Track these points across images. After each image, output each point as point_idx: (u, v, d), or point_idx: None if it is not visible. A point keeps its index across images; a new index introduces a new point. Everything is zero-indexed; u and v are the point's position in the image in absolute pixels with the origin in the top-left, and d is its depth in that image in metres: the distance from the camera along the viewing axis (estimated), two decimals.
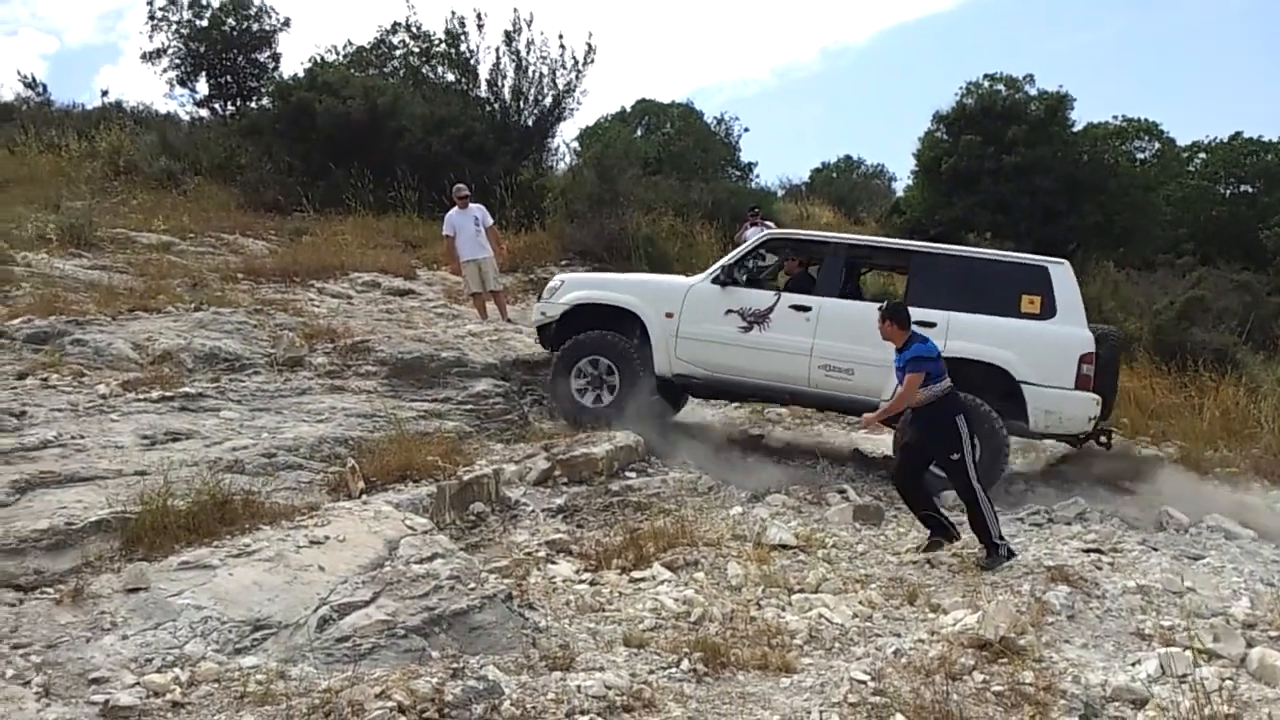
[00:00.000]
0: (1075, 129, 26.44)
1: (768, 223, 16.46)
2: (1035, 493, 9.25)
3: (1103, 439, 9.45)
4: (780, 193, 30.04)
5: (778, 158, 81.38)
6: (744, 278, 9.77)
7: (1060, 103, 25.81)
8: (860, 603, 6.35)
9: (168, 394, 7.79)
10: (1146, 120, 29.63)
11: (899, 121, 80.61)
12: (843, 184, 33.63)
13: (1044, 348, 8.76)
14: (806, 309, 9.24)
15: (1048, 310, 8.88)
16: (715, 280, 9.59)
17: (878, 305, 7.87)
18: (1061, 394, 8.70)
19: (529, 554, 6.73)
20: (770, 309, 9.33)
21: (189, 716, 4.13)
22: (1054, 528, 8.22)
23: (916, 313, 8.30)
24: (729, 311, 9.41)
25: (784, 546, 7.13)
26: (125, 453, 6.61)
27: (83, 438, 6.70)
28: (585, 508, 7.85)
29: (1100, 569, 6.95)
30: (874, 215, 28.14)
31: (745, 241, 15.24)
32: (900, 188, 32.13)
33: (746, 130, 32.60)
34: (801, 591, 6.46)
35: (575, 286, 10.22)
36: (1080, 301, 9.00)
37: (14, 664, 4.33)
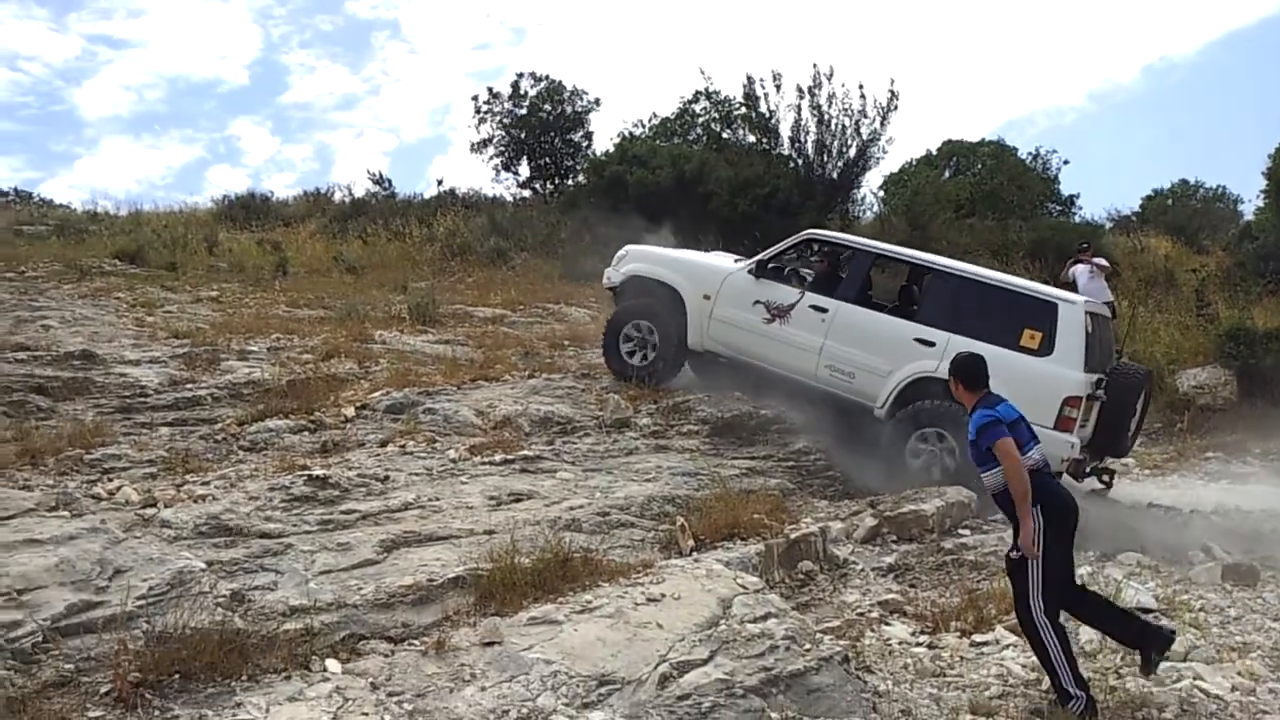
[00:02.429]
0: None
1: (1098, 260, 15.37)
2: None
3: (1104, 478, 9.54)
4: (1109, 225, 28.11)
5: (1103, 188, 76.51)
6: (787, 270, 10.37)
7: None
8: (1239, 674, 5.72)
9: (509, 457, 8.27)
10: None
11: (1241, 138, 73.41)
12: (1180, 211, 30.92)
13: (1030, 385, 8.42)
14: (824, 310, 9.73)
15: (1046, 347, 8.88)
16: (751, 271, 10.18)
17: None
18: (1039, 431, 7.88)
19: (861, 614, 6.54)
20: (793, 305, 9.89)
21: None
22: None
23: (921, 330, 9.12)
24: (757, 302, 10.04)
25: (1143, 609, 6.52)
26: (475, 513, 7.07)
27: (438, 499, 7.24)
28: (917, 566, 7.55)
29: None
30: (1219, 243, 25.64)
31: (1071, 281, 14.45)
32: (1249, 210, 29.21)
33: (1066, 163, 30.81)
34: (1168, 660, 5.87)
35: (634, 259, 11.09)
36: (1082, 343, 8.84)
37: (390, 710, 4.68)
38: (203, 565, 5.72)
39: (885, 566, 7.41)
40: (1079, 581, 5.63)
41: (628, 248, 11.49)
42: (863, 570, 7.32)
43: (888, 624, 6.43)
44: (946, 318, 9.25)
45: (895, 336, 9.37)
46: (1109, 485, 9.54)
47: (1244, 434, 12.65)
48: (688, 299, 10.41)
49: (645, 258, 11.11)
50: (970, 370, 5.58)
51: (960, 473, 8.74)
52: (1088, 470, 9.25)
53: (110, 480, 7.06)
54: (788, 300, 9.92)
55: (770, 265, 10.24)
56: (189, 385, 9.61)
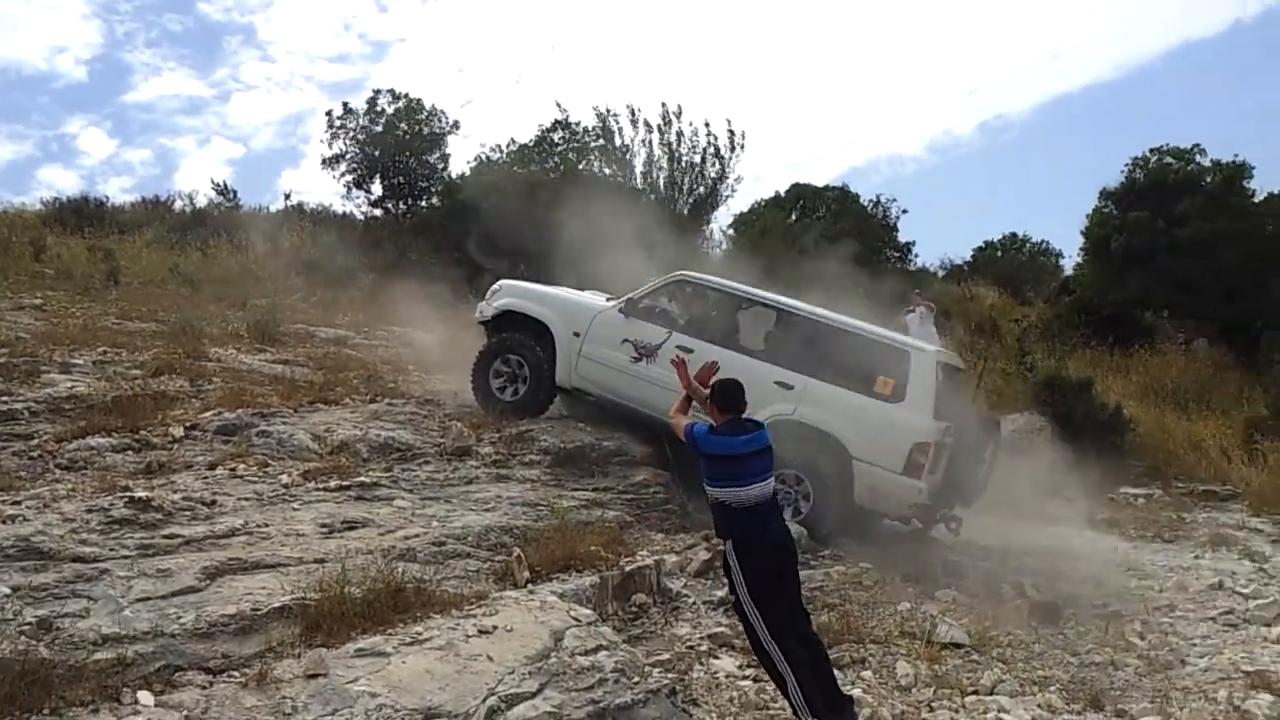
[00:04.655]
0: (1256, 199, 25.08)
1: (930, 304, 16.20)
2: None
3: (952, 525, 9.60)
4: (941, 273, 29.51)
5: (938, 237, 79.91)
6: (657, 310, 10.34)
7: (1238, 172, 24.60)
8: (1039, 706, 6.08)
9: (344, 483, 8.10)
10: None
11: (1065, 197, 78.14)
12: (1007, 263, 32.75)
13: (881, 430, 9.04)
14: (690, 351, 9.46)
15: (898, 394, 9.12)
16: (621, 309, 10.28)
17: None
18: (888, 475, 8.99)
19: (691, 648, 6.67)
20: (660, 345, 9.92)
21: None
22: (1250, 629, 7.68)
23: (779, 373, 9.26)
24: (625, 341, 10.12)
25: (955, 645, 6.88)
26: (306, 540, 6.90)
27: (267, 526, 7.03)
28: None
29: None
30: (1041, 295, 27.23)
31: (905, 326, 15.11)
32: (1069, 265, 31.15)
33: (905, 212, 32.10)
34: (975, 693, 6.21)
35: (508, 294, 11.11)
36: (932, 391, 9.12)
37: None
38: (7, 591, 5.42)
39: (716, 600, 7.56)
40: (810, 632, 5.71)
41: (501, 282, 11.45)
42: (694, 603, 7.47)
43: (716, 657, 6.57)
44: (806, 362, 9.40)
45: (756, 379, 8.99)
46: (956, 532, 9.65)
47: (1056, 478, 13.43)
48: (557, 335, 10.46)
49: (518, 293, 11.07)
50: (721, 395, 5.89)
51: (814, 516, 9.01)
52: (938, 517, 9.50)
53: None
54: (655, 340, 9.99)
55: (640, 304, 10.30)
56: (4, 398, 9.08)
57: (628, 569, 7.42)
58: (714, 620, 7.22)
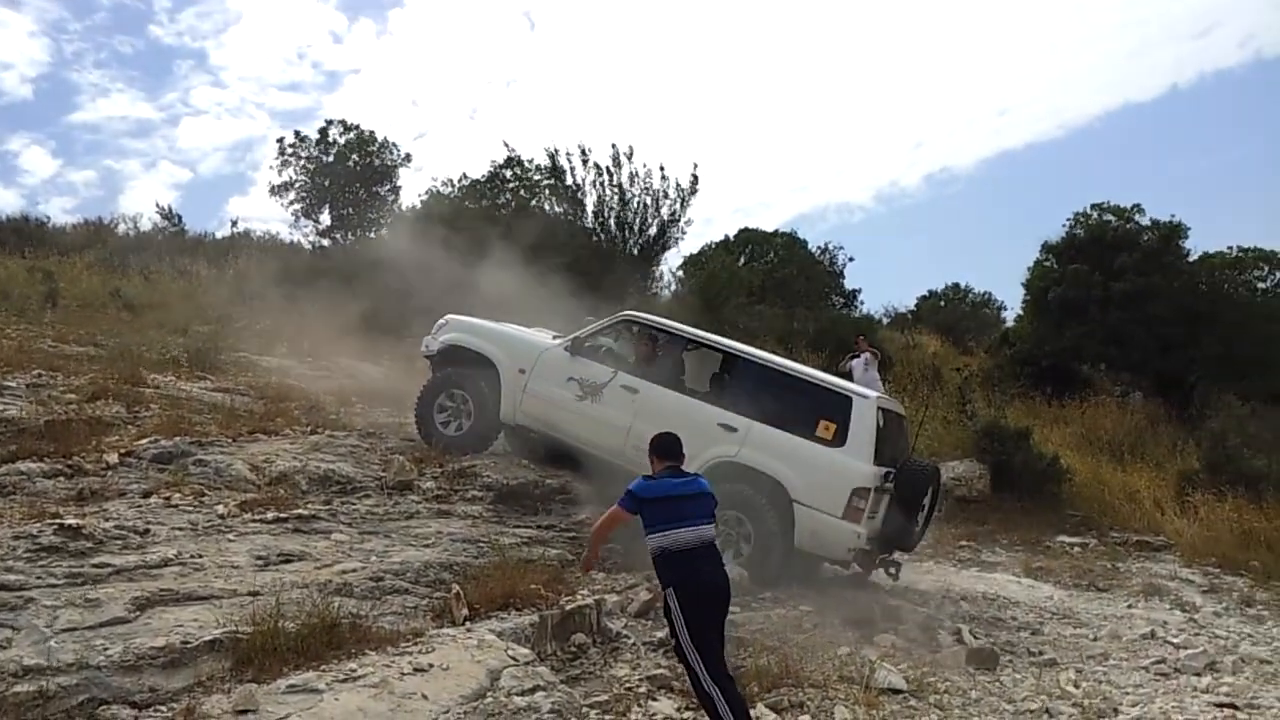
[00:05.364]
0: (1190, 259, 25.75)
1: (874, 350, 16.39)
2: None
3: (891, 570, 9.65)
4: (885, 321, 29.91)
5: (883, 285, 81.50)
6: (602, 349, 10.40)
7: (1174, 231, 25.26)
8: None
9: (282, 515, 7.98)
10: (1265, 249, 28.65)
11: (1008, 249, 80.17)
12: (950, 312, 33.31)
13: (823, 474, 9.07)
14: (634, 390, 9.79)
15: (839, 439, 9.17)
16: (567, 348, 10.28)
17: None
18: (828, 519, 9.00)
19: (630, 689, 6.60)
20: (605, 383, 9.98)
21: None
22: (1181, 678, 7.79)
23: (723, 415, 9.35)
24: (571, 379, 10.11)
25: (894, 690, 6.89)
26: (240, 573, 6.77)
27: (201, 557, 6.89)
28: None
29: None
30: (983, 345, 27.68)
31: (849, 372, 15.25)
32: (1011, 317, 31.73)
33: (851, 259, 32.59)
34: None
35: (454, 329, 11.07)
36: (873, 437, 9.18)
37: None
38: None
39: (656, 641, 7.51)
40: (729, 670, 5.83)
41: (447, 317, 11.37)
42: (634, 644, 7.41)
43: (655, 699, 6.51)
44: (750, 405, 9.42)
45: (700, 420, 9.34)
46: (895, 577, 9.68)
47: (994, 525, 13.63)
48: (503, 372, 10.42)
49: (463, 328, 11.01)
50: (658, 445, 6.12)
51: (754, 559, 9.01)
52: (876, 562, 9.54)
53: None
54: (600, 379, 9.99)
55: (586, 343, 10.30)
56: None
57: (568, 608, 7.35)
58: (654, 661, 7.16)
